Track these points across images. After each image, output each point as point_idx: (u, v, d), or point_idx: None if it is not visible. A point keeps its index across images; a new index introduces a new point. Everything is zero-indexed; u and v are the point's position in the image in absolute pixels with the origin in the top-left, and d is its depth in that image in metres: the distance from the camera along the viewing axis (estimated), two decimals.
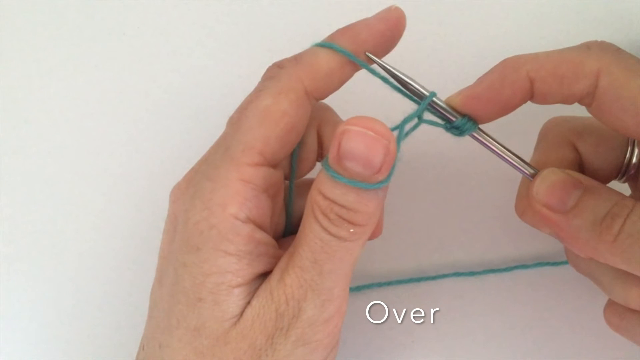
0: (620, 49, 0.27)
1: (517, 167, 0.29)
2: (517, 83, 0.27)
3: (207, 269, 0.26)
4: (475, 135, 0.29)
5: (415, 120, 0.28)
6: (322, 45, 0.28)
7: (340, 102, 0.31)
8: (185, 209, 0.27)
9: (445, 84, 0.40)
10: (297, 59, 0.28)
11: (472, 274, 0.38)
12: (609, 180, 0.32)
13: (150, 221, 0.40)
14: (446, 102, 0.29)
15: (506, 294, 0.38)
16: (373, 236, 0.31)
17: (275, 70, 0.28)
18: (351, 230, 0.25)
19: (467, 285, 0.38)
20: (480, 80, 0.28)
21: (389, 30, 0.28)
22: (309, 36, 0.41)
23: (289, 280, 0.26)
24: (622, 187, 0.31)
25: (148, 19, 0.42)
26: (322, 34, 0.41)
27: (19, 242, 0.40)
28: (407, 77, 0.28)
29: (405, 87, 0.28)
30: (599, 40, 0.28)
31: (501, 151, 0.29)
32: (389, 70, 0.28)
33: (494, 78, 0.28)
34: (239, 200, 0.26)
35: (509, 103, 0.28)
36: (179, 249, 0.27)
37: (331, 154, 0.25)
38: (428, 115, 0.29)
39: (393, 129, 0.26)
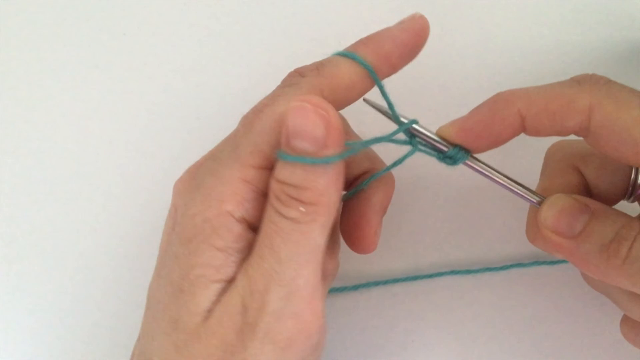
0: (611, 80, 0.27)
1: (522, 195, 0.29)
2: (508, 119, 0.27)
3: (194, 261, 0.26)
4: (469, 163, 0.29)
5: (410, 148, 0.29)
6: (344, 54, 0.28)
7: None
8: (185, 202, 0.27)
9: (445, 82, 0.40)
10: (318, 68, 0.28)
11: (468, 272, 0.38)
12: (617, 201, 0.32)
13: (151, 221, 0.40)
14: (437, 133, 0.29)
15: (503, 292, 0.38)
16: (366, 251, 0.31)
17: (296, 78, 0.28)
18: (301, 208, 0.25)
19: (463, 284, 0.39)
20: (472, 113, 0.28)
21: (412, 41, 0.28)
22: (309, 36, 0.42)
23: (251, 271, 0.25)
24: (633, 207, 0.32)
25: (148, 19, 0.42)
26: (322, 34, 0.41)
27: (19, 242, 0.40)
28: (392, 115, 0.28)
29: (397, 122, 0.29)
30: (590, 73, 0.28)
31: (504, 181, 0.29)
32: (378, 108, 0.29)
33: (484, 113, 0.28)
34: (237, 199, 0.26)
35: (500, 137, 0.28)
36: (175, 241, 0.27)
37: (282, 138, 0.25)
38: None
39: (367, 143, 0.27)
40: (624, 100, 0.26)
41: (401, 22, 0.28)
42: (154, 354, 0.27)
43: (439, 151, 0.29)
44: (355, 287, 0.38)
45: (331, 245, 0.32)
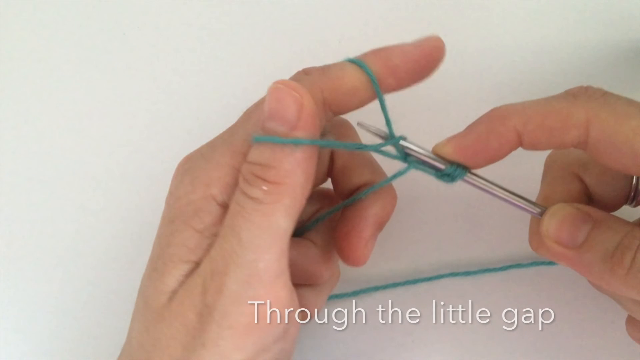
0: (607, 92, 0.27)
1: (523, 207, 0.29)
2: (504, 136, 0.27)
3: (171, 240, 0.26)
4: (468, 179, 0.29)
5: (406, 165, 0.29)
6: (352, 61, 0.28)
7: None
8: (176, 184, 0.28)
9: (445, 83, 0.40)
10: (324, 69, 0.28)
11: (467, 273, 0.38)
12: (619, 206, 0.32)
13: (151, 221, 0.39)
14: (434, 151, 0.28)
15: (502, 293, 0.39)
16: (355, 263, 0.31)
17: (300, 76, 0.28)
18: (264, 187, 0.25)
19: (463, 285, 0.39)
20: (468, 131, 0.28)
21: (423, 59, 0.28)
22: (310, 36, 0.42)
23: (213, 252, 0.25)
24: (634, 212, 0.32)
25: (148, 19, 0.42)
26: (323, 34, 0.41)
27: (19, 242, 0.40)
28: (388, 131, 0.28)
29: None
30: (585, 85, 0.27)
31: (504, 194, 0.29)
32: (372, 130, 0.29)
33: (481, 130, 0.27)
34: (222, 183, 0.26)
35: (497, 153, 0.28)
36: (161, 223, 0.28)
37: (260, 122, 0.26)
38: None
39: (349, 146, 0.28)
40: (621, 111, 0.25)
41: (417, 40, 0.28)
42: (133, 335, 0.27)
43: (436, 169, 0.29)
44: (356, 293, 0.38)
45: (329, 251, 0.32)
